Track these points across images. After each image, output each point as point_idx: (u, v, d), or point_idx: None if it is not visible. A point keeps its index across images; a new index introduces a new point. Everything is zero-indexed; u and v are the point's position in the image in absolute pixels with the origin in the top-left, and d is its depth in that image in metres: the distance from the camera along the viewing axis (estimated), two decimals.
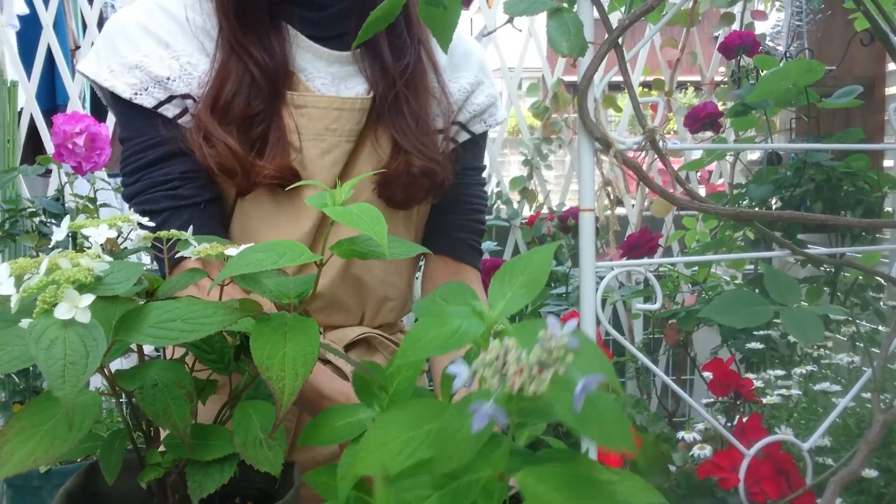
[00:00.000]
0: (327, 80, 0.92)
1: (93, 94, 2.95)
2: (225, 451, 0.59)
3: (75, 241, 1.73)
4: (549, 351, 0.43)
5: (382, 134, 0.94)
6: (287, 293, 0.63)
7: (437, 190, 0.97)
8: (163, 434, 0.62)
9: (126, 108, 0.88)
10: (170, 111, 0.88)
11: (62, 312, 0.48)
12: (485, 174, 1.14)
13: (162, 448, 0.61)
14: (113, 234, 0.61)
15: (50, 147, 2.32)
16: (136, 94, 0.87)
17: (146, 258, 1.17)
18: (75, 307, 0.49)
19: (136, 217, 0.66)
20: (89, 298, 0.49)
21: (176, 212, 0.87)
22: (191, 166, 0.88)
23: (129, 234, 0.87)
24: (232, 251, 0.63)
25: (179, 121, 0.88)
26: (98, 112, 2.88)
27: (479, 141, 1.07)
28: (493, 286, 0.52)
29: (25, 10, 2.42)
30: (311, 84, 0.92)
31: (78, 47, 2.93)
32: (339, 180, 0.90)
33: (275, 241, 0.60)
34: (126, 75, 0.87)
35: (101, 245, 0.59)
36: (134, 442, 0.61)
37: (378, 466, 0.48)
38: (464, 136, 1.02)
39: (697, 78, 2.40)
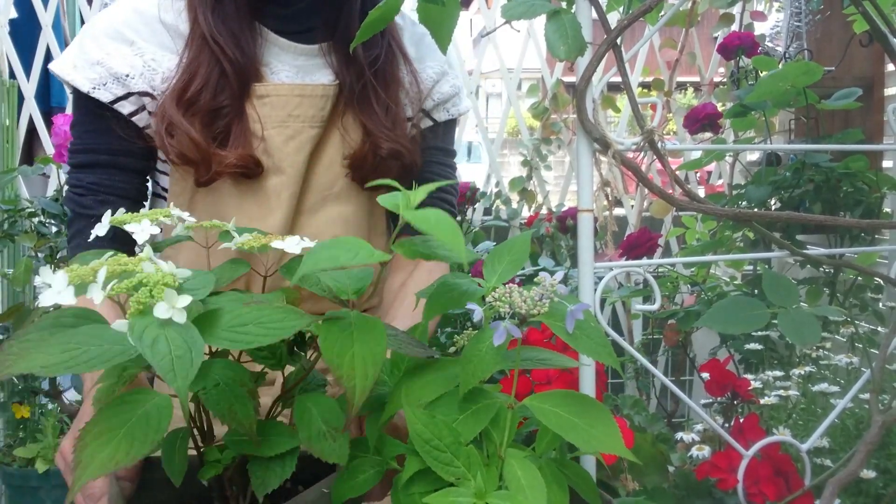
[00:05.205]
0: (291, 72, 0.95)
1: None
2: (286, 445, 0.61)
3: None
4: (545, 288, 0.56)
5: (352, 122, 0.96)
6: (345, 289, 0.63)
7: (407, 171, 0.99)
8: (217, 430, 0.63)
9: (81, 105, 0.93)
10: (126, 108, 0.90)
11: (161, 311, 0.50)
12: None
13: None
14: (156, 229, 0.63)
15: (47, 148, 2.32)
16: (94, 87, 0.89)
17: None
18: (173, 307, 0.51)
19: (177, 212, 0.67)
20: (187, 299, 0.51)
21: (76, 217, 0.94)
22: (98, 179, 0.93)
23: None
24: (278, 244, 0.64)
25: (134, 118, 0.91)
26: None
27: (449, 125, 1.09)
28: (487, 267, 0.63)
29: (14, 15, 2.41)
30: (276, 77, 0.94)
31: None
32: (313, 167, 0.93)
33: (343, 238, 0.58)
34: (87, 70, 0.90)
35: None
36: (196, 441, 0.62)
37: (414, 399, 0.60)
38: (427, 123, 1.05)
39: (696, 79, 2.40)
